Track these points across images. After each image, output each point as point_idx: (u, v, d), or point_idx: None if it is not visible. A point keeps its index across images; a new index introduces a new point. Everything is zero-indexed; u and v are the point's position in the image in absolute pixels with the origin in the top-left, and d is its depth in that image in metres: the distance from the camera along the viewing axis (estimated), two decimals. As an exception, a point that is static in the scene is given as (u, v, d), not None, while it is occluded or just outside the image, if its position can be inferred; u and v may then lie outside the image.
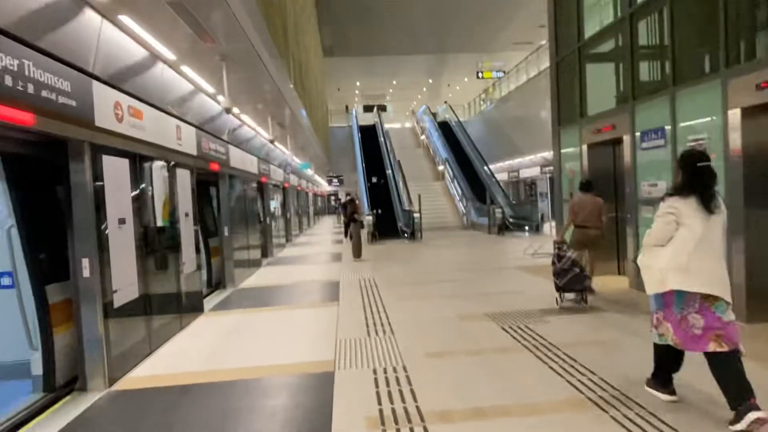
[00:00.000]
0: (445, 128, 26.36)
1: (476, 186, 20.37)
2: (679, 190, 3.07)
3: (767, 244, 4.79)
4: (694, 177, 3.04)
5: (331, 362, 4.29)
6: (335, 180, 28.28)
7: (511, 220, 17.24)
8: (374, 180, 20.60)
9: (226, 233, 8.49)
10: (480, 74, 28.88)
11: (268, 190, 12.90)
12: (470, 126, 27.77)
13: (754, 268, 4.79)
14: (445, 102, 30.56)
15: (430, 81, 37.56)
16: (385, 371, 4.00)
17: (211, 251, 8.41)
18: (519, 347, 4.45)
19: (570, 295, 5.94)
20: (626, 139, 6.79)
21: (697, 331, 2.93)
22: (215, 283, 8.48)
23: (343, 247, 13.50)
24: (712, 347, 2.88)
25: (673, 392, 3.18)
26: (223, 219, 8.50)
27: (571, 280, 5.71)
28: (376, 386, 3.71)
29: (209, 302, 7.22)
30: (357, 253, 11.27)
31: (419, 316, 5.79)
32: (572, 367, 3.88)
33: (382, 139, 25.05)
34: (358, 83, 37.74)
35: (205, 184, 8.30)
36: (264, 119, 10.93)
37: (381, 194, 19.55)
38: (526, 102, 21.36)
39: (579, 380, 3.60)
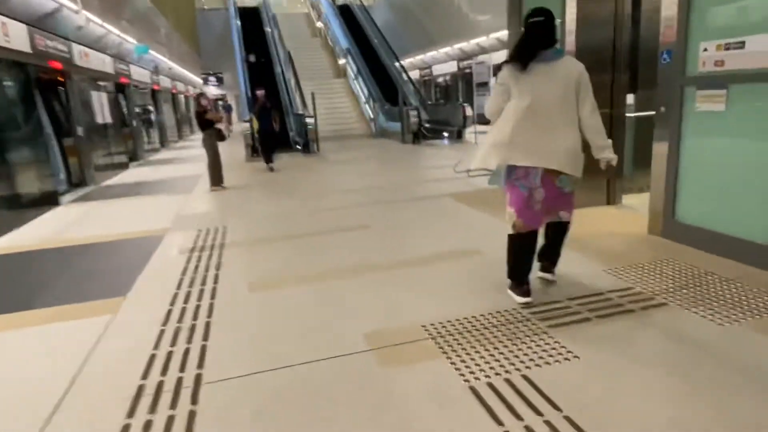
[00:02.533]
0: (346, 14, 21.71)
1: (385, 85, 16.74)
2: (511, 55, 2.67)
3: None
4: (523, 37, 2.60)
5: None
6: (211, 78, 22.76)
7: (427, 125, 14.16)
8: (251, 59, 15.87)
9: None
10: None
11: (72, 83, 8.37)
12: (376, 12, 23.34)
13: None
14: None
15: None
16: None
17: None
18: None
19: None
20: (671, -39, 3.63)
21: (537, 206, 2.68)
22: None
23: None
24: (547, 219, 2.78)
25: (527, 292, 2.73)
26: None
27: None
28: None
29: None
30: (215, 179, 7.49)
31: (278, 349, 2.53)
32: None
33: (269, 28, 19.98)
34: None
35: None
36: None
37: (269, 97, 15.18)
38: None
39: None
